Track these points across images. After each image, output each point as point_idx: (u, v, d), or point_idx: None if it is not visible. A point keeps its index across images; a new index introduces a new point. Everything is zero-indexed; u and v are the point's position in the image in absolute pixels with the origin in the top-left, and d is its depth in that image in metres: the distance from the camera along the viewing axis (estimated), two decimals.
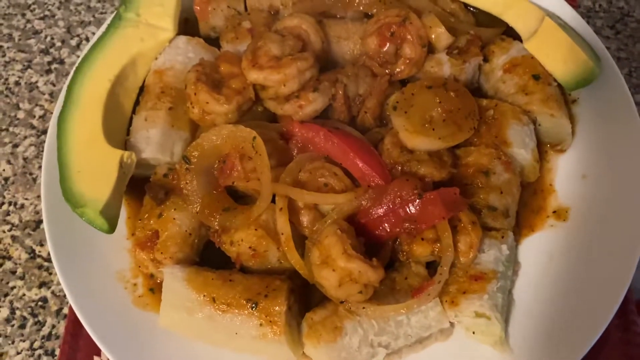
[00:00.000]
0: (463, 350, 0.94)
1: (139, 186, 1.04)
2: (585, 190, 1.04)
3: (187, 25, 1.20)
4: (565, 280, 0.98)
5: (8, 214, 1.20)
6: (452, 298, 0.91)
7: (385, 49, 1.06)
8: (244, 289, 0.91)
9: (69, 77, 1.09)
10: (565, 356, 0.90)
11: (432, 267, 0.96)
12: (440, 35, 1.05)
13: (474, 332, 0.93)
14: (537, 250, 1.02)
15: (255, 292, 0.90)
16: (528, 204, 1.06)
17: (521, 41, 1.11)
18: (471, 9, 1.19)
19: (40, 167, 1.25)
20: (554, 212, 1.04)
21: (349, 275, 0.86)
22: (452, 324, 0.95)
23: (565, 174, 1.07)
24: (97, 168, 0.97)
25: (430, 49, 1.07)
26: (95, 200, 0.93)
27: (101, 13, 1.43)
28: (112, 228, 0.95)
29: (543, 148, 1.09)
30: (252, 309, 0.89)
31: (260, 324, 0.88)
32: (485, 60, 1.11)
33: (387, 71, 1.07)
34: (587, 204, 1.03)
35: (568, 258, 1.00)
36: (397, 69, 1.06)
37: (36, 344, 1.08)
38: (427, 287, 0.88)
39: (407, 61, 1.06)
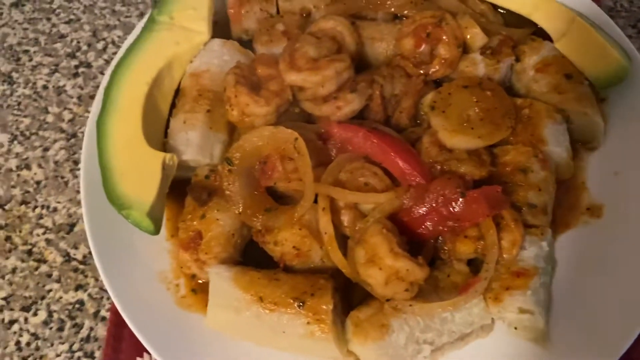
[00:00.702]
0: (503, 347, 0.96)
1: (178, 188, 1.05)
2: (619, 187, 1.06)
3: (217, 28, 1.21)
4: (603, 276, 0.99)
5: (41, 217, 1.21)
6: (496, 295, 0.92)
7: (420, 50, 1.07)
8: (290, 288, 0.92)
9: (105, 80, 1.10)
10: (604, 352, 0.92)
11: (472, 264, 0.97)
12: (475, 35, 1.06)
13: (516, 328, 0.94)
14: (574, 247, 1.03)
15: (301, 291, 0.91)
16: (562, 202, 1.07)
17: (551, 41, 1.13)
18: (500, 10, 1.20)
19: (71, 170, 1.25)
20: (588, 209, 1.06)
21: (396, 274, 0.87)
22: (492, 320, 0.96)
23: (597, 172, 1.09)
24: (140, 170, 0.98)
25: (464, 49, 1.08)
26: (141, 202, 0.94)
27: (126, 16, 1.44)
28: (157, 229, 0.96)
29: (574, 146, 1.10)
30: (299, 307, 0.90)
31: (308, 322, 0.89)
32: (517, 60, 1.12)
33: (422, 71, 1.08)
34: (621, 200, 1.05)
35: (604, 254, 1.01)
36: (432, 69, 1.08)
37: (75, 347, 1.08)
38: (474, 284, 0.90)
39: (443, 61, 1.07)
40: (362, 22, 1.14)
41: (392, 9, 1.15)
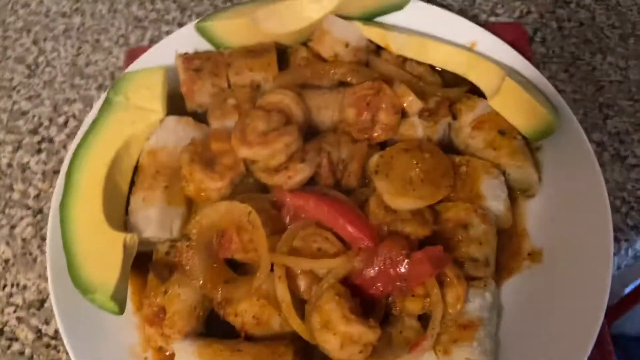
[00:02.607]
0: None
1: (140, 261, 1.10)
2: (555, 232, 1.13)
3: (172, 100, 1.26)
4: (546, 317, 1.06)
5: (11, 296, 1.24)
6: (445, 348, 0.98)
7: (363, 117, 1.14)
8: (252, 358, 0.96)
9: (65, 163, 1.15)
10: None
11: (423, 318, 1.04)
12: (411, 102, 1.14)
13: None
14: (518, 292, 1.10)
15: (262, 359, 0.96)
16: (505, 249, 1.14)
17: (485, 98, 1.21)
18: (437, 69, 1.29)
19: (39, 246, 1.29)
20: (529, 254, 1.13)
21: (350, 338, 0.93)
22: None
23: (536, 218, 1.17)
24: (102, 253, 1.02)
25: (403, 113, 1.16)
26: (104, 285, 0.99)
27: (85, 89, 1.49)
28: (122, 310, 1.00)
29: (514, 194, 1.18)
30: None
31: None
32: (454, 117, 1.20)
33: (366, 136, 1.15)
34: (558, 245, 1.12)
35: (546, 296, 1.08)
36: (375, 134, 1.15)
37: None
38: (422, 341, 0.96)
39: (384, 126, 1.15)
40: (308, 91, 1.21)
41: (337, 77, 1.23)
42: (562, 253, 1.11)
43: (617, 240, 1.25)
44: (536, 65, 1.43)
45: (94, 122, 1.17)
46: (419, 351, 0.95)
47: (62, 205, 1.08)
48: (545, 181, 1.19)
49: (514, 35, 1.43)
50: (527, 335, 1.05)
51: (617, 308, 1.85)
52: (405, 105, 1.14)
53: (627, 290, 1.87)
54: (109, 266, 1.01)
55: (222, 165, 1.09)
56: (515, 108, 1.16)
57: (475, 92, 1.25)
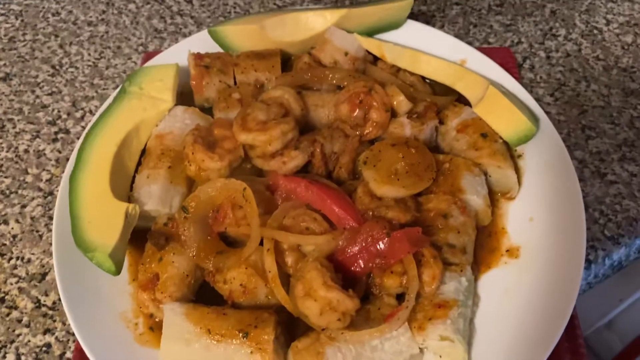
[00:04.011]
0: None
1: (140, 238, 1.18)
2: (533, 231, 1.20)
3: (182, 97, 1.37)
4: (520, 308, 1.11)
5: (15, 268, 1.31)
6: (420, 324, 1.04)
7: (355, 114, 1.24)
8: (236, 321, 1.02)
9: (80, 141, 1.24)
10: None
11: (402, 299, 1.09)
12: (400, 102, 1.24)
13: (440, 356, 1.05)
14: (494, 284, 1.16)
15: (246, 323, 1.02)
16: (484, 245, 1.20)
17: (471, 106, 1.31)
18: (427, 80, 1.39)
19: (46, 224, 1.37)
20: (507, 251, 1.19)
21: (329, 304, 0.99)
22: (421, 351, 1.07)
23: (515, 218, 1.23)
24: (105, 219, 1.10)
25: (393, 113, 1.25)
26: (104, 245, 1.06)
27: (103, 89, 1.60)
28: (118, 270, 1.07)
29: (495, 196, 1.26)
30: (243, 338, 1.00)
31: (251, 352, 0.99)
32: (441, 123, 1.29)
33: (357, 132, 1.24)
34: (535, 243, 1.18)
35: (521, 290, 1.14)
36: (366, 131, 1.24)
37: None
38: (397, 312, 1.01)
39: (374, 124, 1.24)
40: (307, 92, 1.31)
41: (334, 81, 1.33)
42: (538, 250, 1.17)
43: (595, 249, 1.31)
44: (524, 88, 1.53)
45: (109, 107, 1.27)
46: (393, 321, 1.00)
47: (72, 177, 1.17)
48: (525, 185, 1.26)
49: (503, 59, 1.54)
50: (501, 324, 1.10)
51: None
52: (395, 104, 1.24)
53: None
54: (110, 230, 1.08)
55: (222, 148, 1.18)
56: (497, 114, 1.25)
57: (463, 103, 1.34)
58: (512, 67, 1.53)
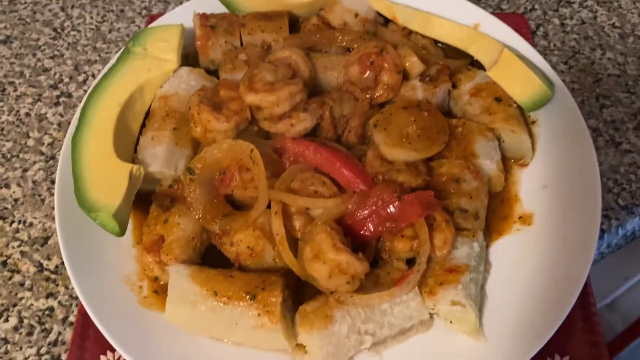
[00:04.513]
0: (442, 341, 1.04)
1: (144, 201, 1.15)
2: (546, 198, 1.17)
3: (187, 60, 1.34)
4: (532, 276, 1.09)
5: (17, 232, 1.29)
6: (430, 289, 1.01)
7: (365, 76, 1.20)
8: (243, 283, 1.00)
9: (83, 101, 1.21)
10: (533, 342, 1.00)
11: (411, 264, 1.07)
12: (413, 63, 1.20)
13: (451, 322, 1.02)
14: (507, 251, 1.13)
15: (253, 285, 1.00)
16: (497, 212, 1.17)
17: (485, 70, 1.27)
18: (440, 44, 1.35)
19: (48, 188, 1.34)
20: (520, 217, 1.16)
21: (338, 267, 0.96)
22: (431, 316, 1.05)
23: (528, 185, 1.20)
24: (109, 179, 1.07)
25: (404, 76, 1.22)
26: (108, 205, 1.03)
27: (106, 53, 1.56)
28: (122, 231, 1.04)
29: (508, 163, 1.22)
30: (250, 300, 0.98)
31: (258, 314, 0.97)
32: (454, 86, 1.26)
33: (367, 95, 1.21)
34: (549, 210, 1.15)
35: (534, 257, 1.11)
36: (377, 93, 1.21)
37: (43, 350, 1.14)
38: (408, 276, 0.99)
39: (385, 86, 1.20)
40: (316, 53, 1.27)
41: (344, 43, 1.29)
42: (552, 217, 1.14)
43: (608, 218, 1.28)
44: None
45: (112, 68, 1.24)
46: (404, 285, 0.98)
47: (75, 137, 1.14)
48: (539, 152, 1.23)
49: (516, 26, 1.48)
50: (514, 291, 1.08)
51: (618, 342, 1.84)
52: (407, 65, 1.20)
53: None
54: (114, 191, 1.05)
55: (229, 109, 1.15)
56: (511, 78, 1.21)
57: (476, 67, 1.30)
58: (526, 34, 1.49)
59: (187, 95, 1.21)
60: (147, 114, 1.25)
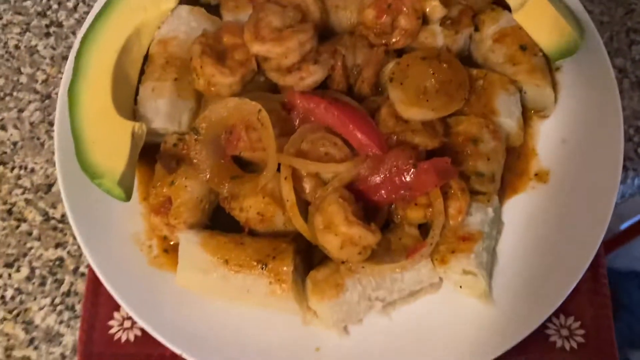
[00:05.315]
0: (450, 301, 1.05)
1: (148, 152, 1.10)
2: (564, 154, 1.13)
3: None
4: (545, 237, 1.08)
5: (19, 178, 1.26)
6: (442, 257, 1.01)
7: (382, 20, 1.10)
8: (254, 251, 0.99)
9: (75, 47, 1.12)
10: (543, 306, 1.02)
11: (423, 227, 1.05)
12: (434, 7, 1.09)
13: (461, 287, 1.03)
14: (520, 210, 1.11)
15: (264, 254, 0.99)
16: (512, 168, 1.14)
17: (510, 11, 1.16)
18: None
19: (47, 131, 1.29)
20: (536, 174, 1.13)
21: (350, 239, 0.95)
22: (440, 279, 1.05)
23: (547, 139, 1.15)
24: (110, 139, 1.02)
25: (424, 20, 1.12)
26: (112, 171, 0.99)
27: None
28: (128, 197, 1.02)
29: (527, 114, 1.16)
30: (262, 269, 0.98)
31: (270, 282, 0.98)
32: (476, 29, 1.16)
33: (383, 41, 1.12)
34: (566, 167, 1.12)
35: (548, 217, 1.09)
36: (393, 39, 1.12)
37: (57, 300, 1.16)
38: (420, 248, 0.98)
39: (403, 32, 1.11)
40: None
41: None
42: (569, 175, 1.11)
43: (625, 168, 1.25)
44: None
45: (105, 6, 1.13)
46: (416, 257, 0.97)
47: (71, 90, 1.07)
48: (560, 103, 1.16)
49: None
50: (526, 253, 1.07)
51: (610, 243, 1.87)
52: (427, 10, 1.10)
53: (623, 226, 1.89)
54: (116, 153, 1.01)
55: (233, 60, 1.07)
56: (539, 23, 1.11)
57: (501, 4, 1.19)
58: None
59: (187, 39, 1.12)
60: (145, 58, 1.16)
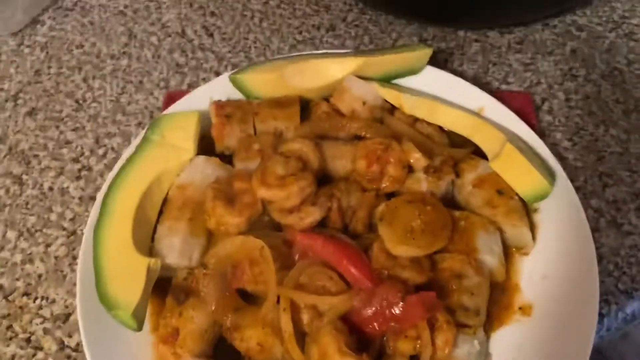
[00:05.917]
0: None
1: (160, 285, 1.21)
2: (546, 289, 1.21)
3: (203, 141, 1.40)
4: None
5: (41, 308, 1.35)
6: None
7: (372, 169, 1.26)
8: None
9: (104, 188, 1.28)
10: None
11: (414, 358, 1.11)
12: (417, 159, 1.25)
13: None
14: (507, 342, 1.17)
15: None
16: (498, 302, 1.22)
17: (487, 159, 1.32)
18: (445, 129, 1.40)
19: (69, 264, 1.41)
20: (520, 308, 1.21)
21: None
22: None
23: (528, 275, 1.25)
24: (128, 274, 1.14)
25: (410, 168, 1.27)
26: (127, 303, 1.09)
27: (125, 125, 1.63)
28: (140, 327, 1.11)
29: (509, 251, 1.27)
30: None
31: None
32: (457, 176, 1.31)
33: (374, 186, 1.27)
34: (547, 301, 1.20)
35: (533, 349, 1.15)
36: (383, 185, 1.27)
37: None
38: None
39: (391, 179, 1.26)
40: (325, 142, 1.32)
41: (352, 130, 1.35)
42: (551, 309, 1.19)
43: (608, 303, 1.32)
44: (542, 132, 1.54)
45: (132, 157, 1.31)
46: None
47: (96, 229, 1.20)
48: (540, 241, 1.27)
49: (521, 103, 1.54)
50: None
51: None
52: (412, 161, 1.25)
53: None
54: (132, 286, 1.12)
55: (242, 203, 1.21)
56: (513, 171, 1.26)
57: (479, 153, 1.35)
58: (530, 112, 1.53)
59: (202, 184, 1.27)
60: (164, 200, 1.31)
